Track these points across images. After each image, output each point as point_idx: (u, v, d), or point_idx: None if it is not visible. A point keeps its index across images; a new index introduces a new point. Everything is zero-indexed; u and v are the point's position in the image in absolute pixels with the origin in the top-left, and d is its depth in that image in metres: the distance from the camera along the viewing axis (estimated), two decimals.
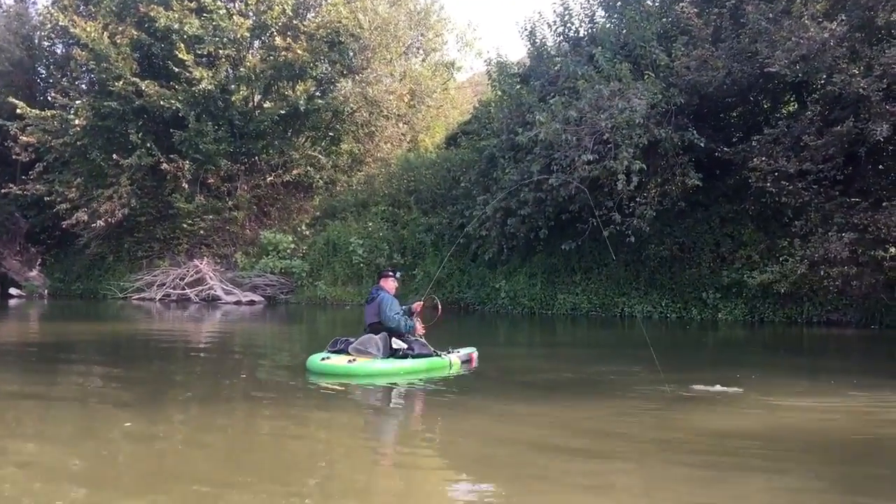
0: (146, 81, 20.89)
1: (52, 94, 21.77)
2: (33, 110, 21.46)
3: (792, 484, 4.53)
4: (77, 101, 21.87)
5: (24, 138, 21.49)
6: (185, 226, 22.17)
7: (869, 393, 7.41)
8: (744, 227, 15.53)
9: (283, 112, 21.84)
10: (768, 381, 8.10)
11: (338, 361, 8.10)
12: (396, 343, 8.43)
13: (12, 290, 23.48)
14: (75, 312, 19.64)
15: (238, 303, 20.28)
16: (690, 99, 15.01)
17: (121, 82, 20.79)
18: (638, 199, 14.80)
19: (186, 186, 21.84)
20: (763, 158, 14.05)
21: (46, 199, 22.27)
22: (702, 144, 14.55)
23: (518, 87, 17.58)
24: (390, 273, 9.19)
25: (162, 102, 20.84)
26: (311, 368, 8.25)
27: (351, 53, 23.08)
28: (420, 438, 5.88)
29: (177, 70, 20.87)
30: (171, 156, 21.43)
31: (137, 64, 21.46)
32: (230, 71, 22.01)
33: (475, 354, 9.22)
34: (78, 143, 21.41)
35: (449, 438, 5.82)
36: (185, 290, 21.07)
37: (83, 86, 23.49)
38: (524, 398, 7.23)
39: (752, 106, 16.57)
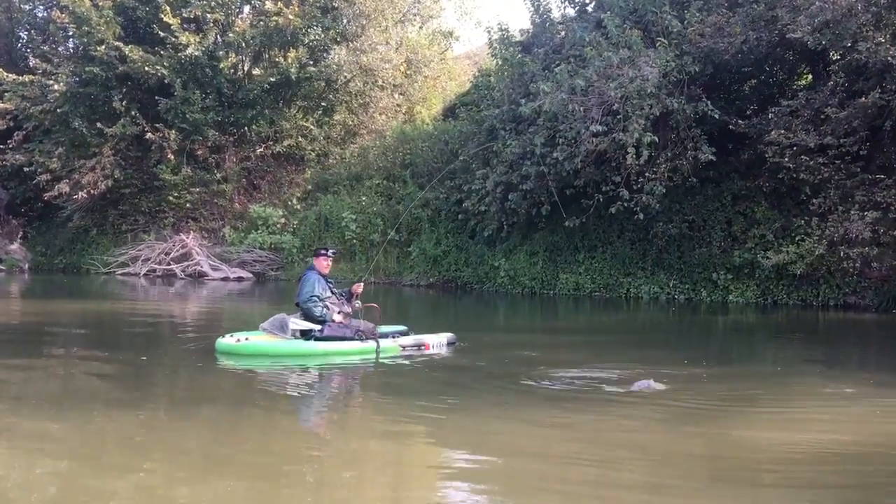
0: (130, 46, 19.90)
1: (33, 60, 20.71)
2: (10, 75, 20.47)
3: None
4: (59, 68, 20.89)
5: (2, 105, 20.52)
6: (170, 198, 21.28)
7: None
8: (757, 204, 14.75)
9: (273, 80, 20.88)
10: (785, 383, 7.38)
11: (229, 341, 7.95)
12: (299, 324, 8.04)
13: None
14: (57, 288, 18.91)
15: (225, 279, 19.49)
16: (704, 68, 14.17)
17: (103, 47, 19.81)
18: (647, 175, 13.99)
19: (172, 157, 20.92)
20: (781, 132, 13.27)
21: (26, 169, 21.34)
22: (716, 116, 13.72)
23: (520, 56, 16.68)
24: (322, 251, 8.66)
25: (147, 68, 19.87)
26: (217, 348, 8.04)
27: (345, 20, 22.13)
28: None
29: (162, 35, 19.88)
30: (157, 125, 20.52)
31: (121, 28, 20.42)
32: (218, 36, 21.03)
33: (435, 342, 8.54)
34: (58, 110, 20.46)
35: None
36: (170, 265, 20.25)
37: (64, 51, 22.47)
38: (530, 402, 6.48)
39: (768, 77, 15.73)
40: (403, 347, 8.40)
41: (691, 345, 10.46)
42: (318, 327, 8.10)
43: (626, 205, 14.06)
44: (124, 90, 20.64)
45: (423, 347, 8.48)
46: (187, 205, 21.50)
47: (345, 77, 22.24)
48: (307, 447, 5.18)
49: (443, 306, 15.74)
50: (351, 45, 22.18)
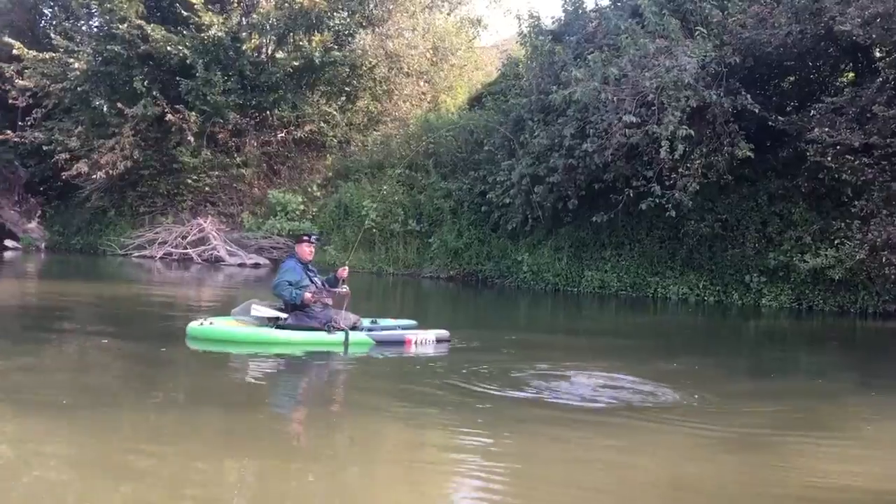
0: (152, 25, 19.55)
1: (55, 37, 20.40)
2: (31, 52, 20.18)
3: None
4: (80, 46, 20.57)
5: (22, 82, 20.22)
6: (189, 181, 20.92)
7: None
8: (795, 205, 14.09)
9: (296, 64, 20.44)
10: (830, 399, 6.82)
11: (195, 324, 7.93)
12: (261, 310, 7.92)
13: (8, 242, 22.35)
14: (73, 269, 18.70)
15: (242, 265, 19.11)
16: (744, 60, 13.51)
17: (125, 25, 19.45)
18: (680, 170, 13.39)
19: (192, 140, 20.54)
20: (824, 129, 12.61)
21: (45, 148, 21.07)
22: (756, 111, 13.08)
23: (550, 44, 16.10)
24: (305, 237, 8.50)
25: (169, 48, 19.50)
26: (187, 332, 7.98)
27: (371, 4, 21.59)
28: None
29: (185, 14, 19.50)
30: (177, 106, 20.13)
31: (144, 6, 20.06)
32: (242, 18, 20.61)
33: (419, 338, 8.13)
34: (79, 88, 20.12)
35: None
36: (186, 249, 19.89)
37: (87, 28, 22.16)
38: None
39: (810, 72, 15.04)
40: (378, 342, 8.00)
41: (722, 351, 9.93)
42: (285, 315, 7.92)
43: (657, 201, 13.48)
44: (146, 70, 20.27)
45: (403, 343, 8.05)
46: (206, 188, 21.14)
47: (369, 62, 21.74)
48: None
49: (461, 300, 15.28)
50: (377, 30, 21.68)
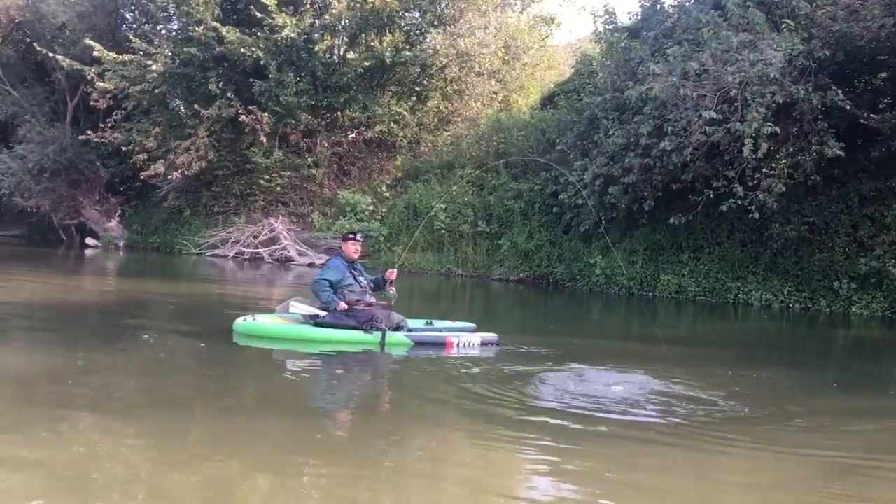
0: (227, 27, 19.77)
1: (134, 40, 20.87)
2: (110, 54, 20.68)
3: None
4: (158, 48, 21.00)
5: (102, 84, 20.74)
6: (261, 181, 21.08)
7: None
8: (888, 207, 13.27)
9: (368, 64, 20.37)
10: None
11: (240, 320, 8.08)
12: (298, 307, 8.06)
13: (89, 241, 23.04)
14: (150, 267, 19.11)
15: (311, 265, 19.14)
16: (834, 55, 12.76)
17: (201, 27, 19.74)
18: (765, 170, 12.73)
19: (265, 140, 20.72)
20: None
21: (124, 148, 21.59)
22: (847, 108, 12.33)
23: (626, 40, 15.58)
24: (350, 236, 8.43)
25: (243, 50, 19.69)
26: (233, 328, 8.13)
27: (443, 3, 21.39)
28: None
29: (259, 16, 19.66)
30: (251, 107, 20.32)
31: (219, 8, 20.35)
32: (315, 19, 20.68)
33: (462, 340, 7.86)
34: (156, 90, 20.55)
35: None
36: (258, 248, 20.07)
37: (166, 31, 22.63)
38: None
39: None
40: (417, 343, 7.81)
41: (809, 363, 9.31)
42: (323, 313, 7.93)
43: (739, 203, 12.83)
44: (220, 72, 20.55)
45: (444, 345, 7.80)
46: (278, 188, 21.27)
47: (440, 62, 21.51)
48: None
49: (531, 303, 14.90)
50: (448, 29, 21.45)
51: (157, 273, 17.64)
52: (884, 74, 14.28)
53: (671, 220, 14.04)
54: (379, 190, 20.80)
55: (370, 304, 8.10)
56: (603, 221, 15.31)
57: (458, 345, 7.81)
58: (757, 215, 12.84)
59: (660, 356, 7.90)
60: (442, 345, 7.82)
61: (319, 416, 5.65)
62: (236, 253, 20.22)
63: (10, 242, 25.11)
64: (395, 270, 8.37)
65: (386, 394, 6.60)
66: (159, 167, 20.80)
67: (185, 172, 20.62)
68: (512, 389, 6.26)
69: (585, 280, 15.78)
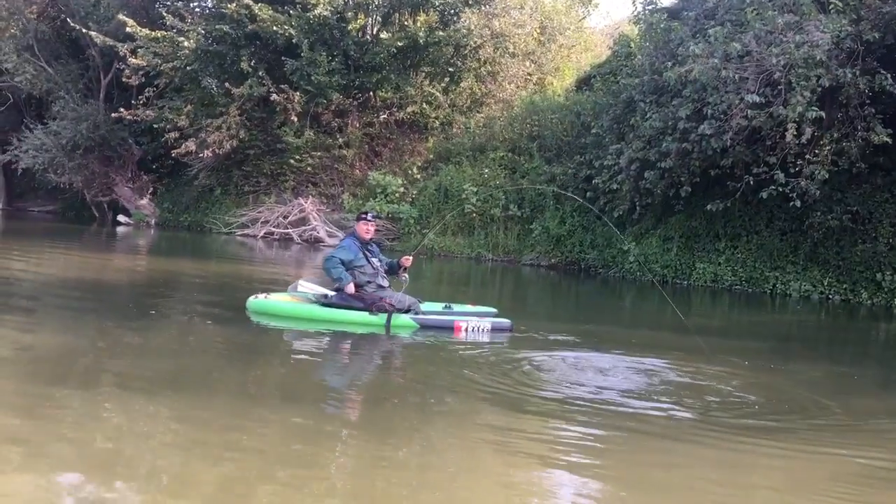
0: (260, 5, 19.59)
1: (167, 16, 20.79)
2: (143, 30, 20.63)
3: None
4: (191, 25, 20.90)
5: (134, 61, 20.72)
6: (292, 161, 20.95)
7: None
8: None
9: (401, 44, 20.08)
10: None
11: (252, 298, 8.29)
12: (305, 286, 8.21)
13: (120, 218, 23.16)
14: (180, 245, 19.17)
15: None
16: (883, 37, 12.23)
17: (234, 4, 19.56)
18: (807, 157, 12.29)
19: (296, 120, 20.58)
20: None
21: (156, 126, 21.59)
22: None
23: (666, 21, 15.13)
24: (364, 215, 8.38)
25: (275, 28, 19.50)
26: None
27: None
28: None
29: None
30: (282, 86, 20.17)
31: None
32: None
33: (471, 325, 7.74)
34: (188, 67, 20.48)
35: None
36: (287, 229, 19.99)
37: (199, 9, 22.54)
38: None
39: None
40: (423, 326, 7.74)
41: (851, 358, 8.94)
42: (332, 293, 8.02)
43: (780, 190, 12.42)
44: (252, 50, 20.40)
45: (452, 329, 7.71)
46: (308, 168, 21.14)
47: (474, 42, 21.18)
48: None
49: (561, 290, 14.64)
50: (483, 8, 21.10)
51: (186, 251, 17.66)
52: None
53: (708, 207, 13.66)
54: (410, 172, 20.58)
55: (381, 287, 8.06)
56: (638, 207, 14.96)
57: (466, 329, 7.72)
58: (798, 203, 12.42)
59: (691, 347, 7.63)
60: (450, 329, 7.75)
61: (330, 403, 5.54)
62: (266, 233, 20.18)
63: (45, 218, 25.41)
64: (412, 258, 8.36)
65: (390, 381, 6.50)
66: (190, 145, 20.77)
67: (217, 151, 20.57)
68: (524, 379, 6.07)
69: (618, 267, 15.46)
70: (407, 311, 7.87)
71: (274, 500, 3.59)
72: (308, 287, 8.19)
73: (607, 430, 4.90)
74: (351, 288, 7.87)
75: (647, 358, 7.06)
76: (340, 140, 21.20)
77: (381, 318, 7.70)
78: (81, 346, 6.56)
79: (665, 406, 5.47)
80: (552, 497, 3.95)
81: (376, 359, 7.22)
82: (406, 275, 8.24)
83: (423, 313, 8.00)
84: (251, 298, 8.29)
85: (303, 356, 7.16)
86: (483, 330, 7.74)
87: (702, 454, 4.55)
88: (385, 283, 8.14)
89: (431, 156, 21.25)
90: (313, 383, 6.14)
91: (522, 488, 4.00)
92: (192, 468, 3.95)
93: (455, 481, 4.01)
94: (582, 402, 5.43)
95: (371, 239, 8.32)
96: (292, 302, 8.10)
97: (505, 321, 7.97)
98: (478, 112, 22.14)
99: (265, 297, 8.22)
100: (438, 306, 8.33)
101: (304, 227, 19.87)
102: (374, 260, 8.14)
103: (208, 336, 7.59)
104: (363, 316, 7.78)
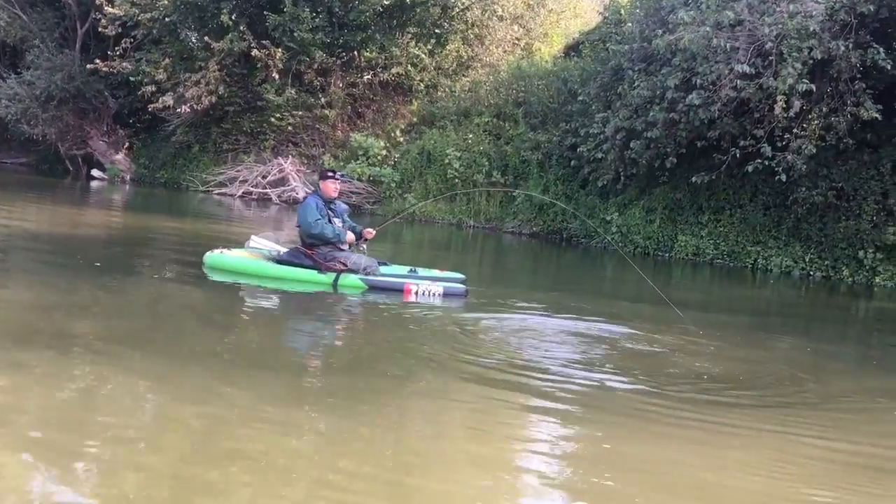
0: None
1: None
2: None
3: None
4: None
5: (111, 10, 20.08)
6: (273, 120, 20.50)
7: None
8: None
9: (387, 3, 19.56)
10: None
11: (208, 252, 8.25)
12: (258, 241, 8.18)
13: (94, 172, 22.64)
14: (155, 202, 18.77)
15: None
16: (878, 10, 12.01)
17: None
18: (795, 131, 12.12)
19: (277, 77, 20.10)
20: None
21: (132, 79, 21.02)
22: (888, 68, 11.64)
23: None
24: (330, 173, 8.23)
25: None
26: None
27: None
28: None
29: None
30: (264, 42, 19.66)
31: None
32: None
33: (422, 289, 7.66)
34: (167, 19, 19.86)
35: None
36: (266, 189, 19.63)
37: None
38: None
39: None
40: (371, 287, 7.70)
41: (829, 337, 8.84)
42: (284, 249, 8.05)
43: (766, 163, 12.27)
44: (234, 3, 19.79)
45: (402, 292, 7.64)
46: (289, 128, 20.70)
47: (462, 3, 20.71)
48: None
49: (542, 259, 14.47)
50: None
51: (162, 209, 17.29)
52: None
53: (693, 179, 13.50)
54: (393, 134, 20.22)
55: (339, 249, 7.98)
56: (622, 177, 14.77)
57: (416, 293, 7.63)
58: (784, 177, 12.28)
59: (669, 319, 7.51)
60: (400, 291, 7.68)
61: (283, 368, 5.33)
62: (244, 192, 19.80)
63: (17, 170, 24.80)
64: (374, 232, 8.39)
65: (338, 344, 6.40)
66: (168, 100, 20.24)
67: (195, 107, 20.10)
68: (467, 347, 5.96)
69: (600, 238, 15.29)
70: (363, 273, 7.82)
71: (245, 466, 3.41)
72: (260, 243, 8.20)
73: (579, 406, 4.75)
74: (351, 236, 8.00)
75: (621, 328, 7.02)
76: (323, 100, 20.76)
77: (328, 277, 7.72)
78: (49, 305, 6.32)
79: (637, 380, 5.36)
80: (519, 472, 3.79)
81: (330, 320, 7.14)
82: (364, 246, 8.25)
83: (385, 276, 7.95)
84: (208, 253, 8.27)
85: (253, 317, 7.05)
86: (434, 294, 7.65)
87: (673, 432, 4.40)
88: (345, 248, 8.05)
89: (415, 119, 20.90)
90: (260, 348, 5.94)
91: (481, 461, 3.83)
92: (159, 433, 3.84)
93: (413, 441, 3.84)
94: (545, 374, 5.29)
95: (335, 198, 8.24)
96: (247, 258, 8.10)
97: (459, 287, 7.88)
98: (463, 76, 21.75)
99: (221, 252, 8.19)
100: (404, 270, 8.26)
101: (283, 188, 19.52)
102: (337, 221, 8.06)
103: (178, 296, 7.38)
104: (312, 274, 7.79)
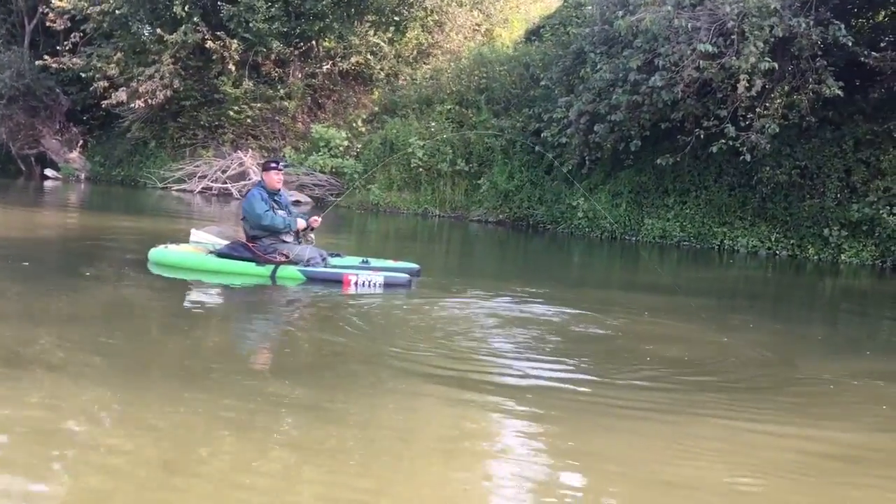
0: None
1: None
2: None
3: None
4: None
5: (59, 3, 19.50)
6: (231, 113, 20.08)
7: None
8: (884, 152, 12.66)
9: None
10: None
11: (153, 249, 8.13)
12: (199, 235, 8.16)
13: (48, 172, 22.02)
14: (111, 201, 18.25)
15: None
16: None
17: None
18: (758, 110, 12.08)
19: (234, 69, 19.69)
20: None
21: (84, 75, 20.44)
22: (849, 44, 11.64)
23: None
24: (273, 164, 8.03)
25: None
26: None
27: None
28: None
29: None
30: (218, 33, 19.22)
31: None
32: None
33: (362, 279, 7.49)
34: (117, 11, 19.31)
35: None
36: (226, 183, 19.22)
37: None
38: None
39: None
40: (310, 278, 7.53)
41: (796, 316, 8.76)
42: (224, 242, 7.98)
43: (730, 144, 12.22)
44: None
45: (341, 283, 7.47)
46: (248, 121, 20.30)
47: None
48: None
49: (509, 246, 14.32)
50: None
51: (119, 208, 16.79)
52: (891, 10, 13.59)
53: (658, 161, 13.41)
54: (354, 125, 19.91)
55: (283, 241, 7.82)
56: (587, 162, 14.65)
57: (356, 283, 7.46)
58: (748, 157, 12.25)
59: (633, 303, 7.40)
60: (339, 282, 7.50)
61: (234, 371, 5.09)
62: (203, 188, 19.37)
63: None
64: (319, 219, 8.22)
65: (290, 340, 6.06)
66: (121, 95, 19.73)
67: (149, 101, 19.59)
68: (432, 338, 5.73)
69: (567, 223, 15.16)
70: (305, 265, 7.67)
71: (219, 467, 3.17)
72: (201, 237, 8.15)
73: (549, 396, 4.58)
74: (301, 223, 7.85)
75: (587, 314, 6.90)
76: (282, 91, 20.39)
77: (266, 269, 7.60)
78: (2, 312, 5.97)
79: (603, 369, 5.21)
80: (483, 472, 3.60)
81: (276, 317, 6.90)
82: (312, 236, 8.06)
83: (331, 267, 7.81)
84: (152, 249, 8.13)
85: (202, 317, 6.73)
86: (375, 284, 7.48)
87: (638, 424, 4.23)
88: (290, 240, 7.87)
89: (376, 108, 20.60)
90: (214, 350, 5.66)
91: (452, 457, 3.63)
92: (124, 441, 3.64)
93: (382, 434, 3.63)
94: (512, 364, 5.11)
95: (279, 189, 8.06)
96: (189, 252, 8.00)
97: (401, 276, 7.71)
98: (424, 63, 21.49)
99: (165, 248, 8.07)
100: (356, 260, 8.13)
101: (244, 182, 19.11)
102: (282, 212, 7.87)
103: (129, 297, 7.11)
104: (249, 266, 7.67)
